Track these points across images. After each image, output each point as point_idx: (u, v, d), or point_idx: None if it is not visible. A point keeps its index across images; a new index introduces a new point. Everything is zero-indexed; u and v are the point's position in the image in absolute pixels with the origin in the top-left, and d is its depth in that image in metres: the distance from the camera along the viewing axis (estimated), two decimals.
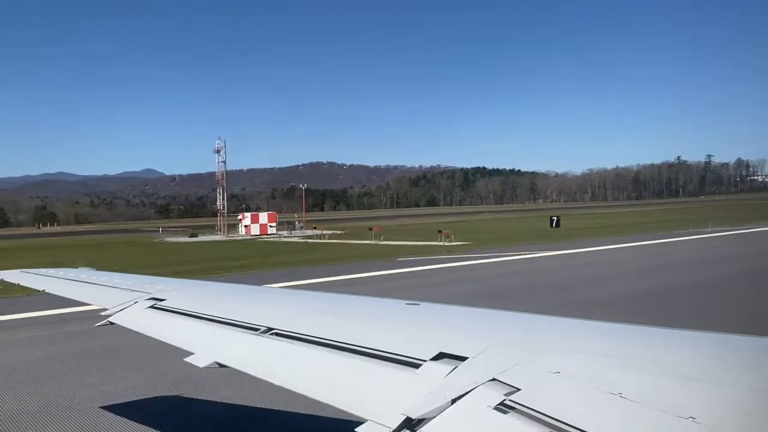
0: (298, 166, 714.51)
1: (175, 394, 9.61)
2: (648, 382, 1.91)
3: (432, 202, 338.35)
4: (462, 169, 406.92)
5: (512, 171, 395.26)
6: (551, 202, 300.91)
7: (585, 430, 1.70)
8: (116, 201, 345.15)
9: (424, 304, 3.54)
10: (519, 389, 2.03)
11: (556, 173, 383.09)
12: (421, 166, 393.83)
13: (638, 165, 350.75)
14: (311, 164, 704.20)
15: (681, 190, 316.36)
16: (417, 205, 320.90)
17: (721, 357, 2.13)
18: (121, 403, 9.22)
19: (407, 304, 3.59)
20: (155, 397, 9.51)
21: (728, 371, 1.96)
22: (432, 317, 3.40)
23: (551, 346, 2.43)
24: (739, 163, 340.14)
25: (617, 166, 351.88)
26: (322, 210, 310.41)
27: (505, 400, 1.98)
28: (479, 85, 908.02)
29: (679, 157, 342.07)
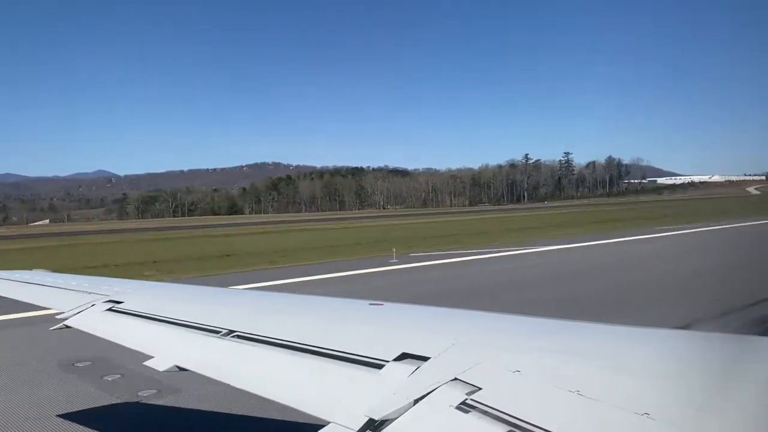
0: (242, 166, 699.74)
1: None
2: (605, 379, 1.94)
3: (234, 210, 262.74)
4: (331, 169, 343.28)
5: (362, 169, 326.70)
6: (380, 208, 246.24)
7: (544, 427, 1.72)
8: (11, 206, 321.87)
9: (387, 305, 3.54)
10: (480, 388, 2.04)
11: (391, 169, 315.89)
12: (369, 167, 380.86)
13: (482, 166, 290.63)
14: (256, 165, 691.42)
15: (525, 194, 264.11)
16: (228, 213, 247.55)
17: (675, 353, 2.17)
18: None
19: (371, 304, 3.58)
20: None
21: (681, 367, 1.99)
22: (395, 317, 3.41)
23: (511, 345, 2.45)
24: (610, 162, 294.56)
25: (472, 167, 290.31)
26: (175, 215, 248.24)
27: (466, 399, 1.99)
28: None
29: (526, 155, 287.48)
